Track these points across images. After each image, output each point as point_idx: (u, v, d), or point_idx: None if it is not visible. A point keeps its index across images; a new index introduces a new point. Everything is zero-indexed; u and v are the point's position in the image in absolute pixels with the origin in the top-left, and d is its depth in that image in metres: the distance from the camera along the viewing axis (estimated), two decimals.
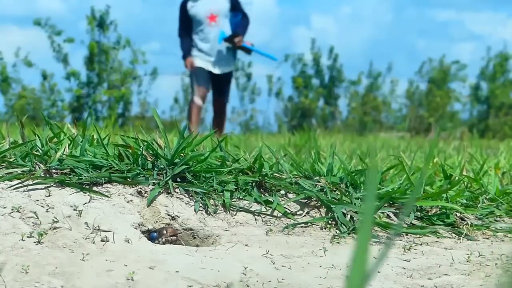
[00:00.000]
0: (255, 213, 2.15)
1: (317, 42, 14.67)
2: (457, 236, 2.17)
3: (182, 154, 2.24)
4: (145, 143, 2.23)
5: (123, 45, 12.93)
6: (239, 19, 8.27)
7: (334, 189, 2.27)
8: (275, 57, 8.59)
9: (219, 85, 8.38)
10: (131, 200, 2.05)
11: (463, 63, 15.00)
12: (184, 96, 14.65)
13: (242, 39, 8.18)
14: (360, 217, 2.15)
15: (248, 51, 8.18)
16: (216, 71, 8.21)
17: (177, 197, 2.12)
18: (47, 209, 1.90)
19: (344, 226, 2.13)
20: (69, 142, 2.25)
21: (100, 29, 12.79)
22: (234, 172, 2.26)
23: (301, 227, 2.13)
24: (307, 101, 14.36)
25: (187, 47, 8.36)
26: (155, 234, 2.01)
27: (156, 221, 2.04)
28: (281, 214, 2.17)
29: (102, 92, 12.83)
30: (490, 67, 14.72)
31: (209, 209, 2.11)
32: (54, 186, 2.01)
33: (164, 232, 2.01)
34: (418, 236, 2.14)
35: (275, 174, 2.31)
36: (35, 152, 2.15)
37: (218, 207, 2.14)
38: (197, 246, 1.98)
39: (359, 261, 0.58)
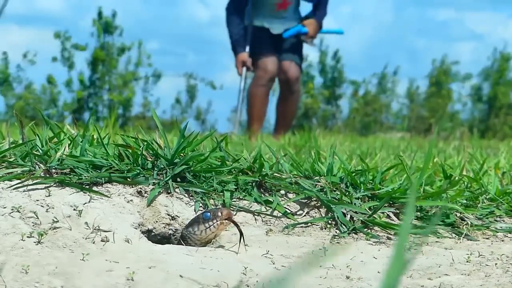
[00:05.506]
0: (255, 213, 2.15)
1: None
2: (457, 236, 2.17)
3: (182, 154, 2.24)
4: (145, 143, 2.23)
5: (128, 48, 12.96)
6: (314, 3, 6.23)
7: (334, 189, 2.27)
8: (342, 30, 6.93)
9: (281, 45, 6.20)
10: (131, 200, 2.05)
11: (465, 65, 14.97)
12: (187, 96, 14.62)
13: (315, 36, 6.20)
14: (360, 218, 2.15)
15: (312, 43, 6.36)
16: (274, 31, 6.15)
17: (177, 197, 2.12)
18: (47, 209, 1.90)
19: (344, 226, 2.13)
20: (69, 142, 2.25)
21: (105, 33, 12.83)
22: (234, 172, 2.26)
23: (301, 227, 2.13)
24: (308, 101, 14.36)
25: (237, 33, 6.12)
26: (209, 214, 1.90)
27: (156, 221, 2.04)
28: (281, 214, 2.17)
29: (108, 95, 12.85)
30: (494, 67, 14.65)
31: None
32: (54, 186, 2.01)
33: (219, 214, 1.90)
34: (417, 235, 2.14)
35: (275, 174, 2.31)
36: (35, 152, 2.15)
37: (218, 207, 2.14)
38: None
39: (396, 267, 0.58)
